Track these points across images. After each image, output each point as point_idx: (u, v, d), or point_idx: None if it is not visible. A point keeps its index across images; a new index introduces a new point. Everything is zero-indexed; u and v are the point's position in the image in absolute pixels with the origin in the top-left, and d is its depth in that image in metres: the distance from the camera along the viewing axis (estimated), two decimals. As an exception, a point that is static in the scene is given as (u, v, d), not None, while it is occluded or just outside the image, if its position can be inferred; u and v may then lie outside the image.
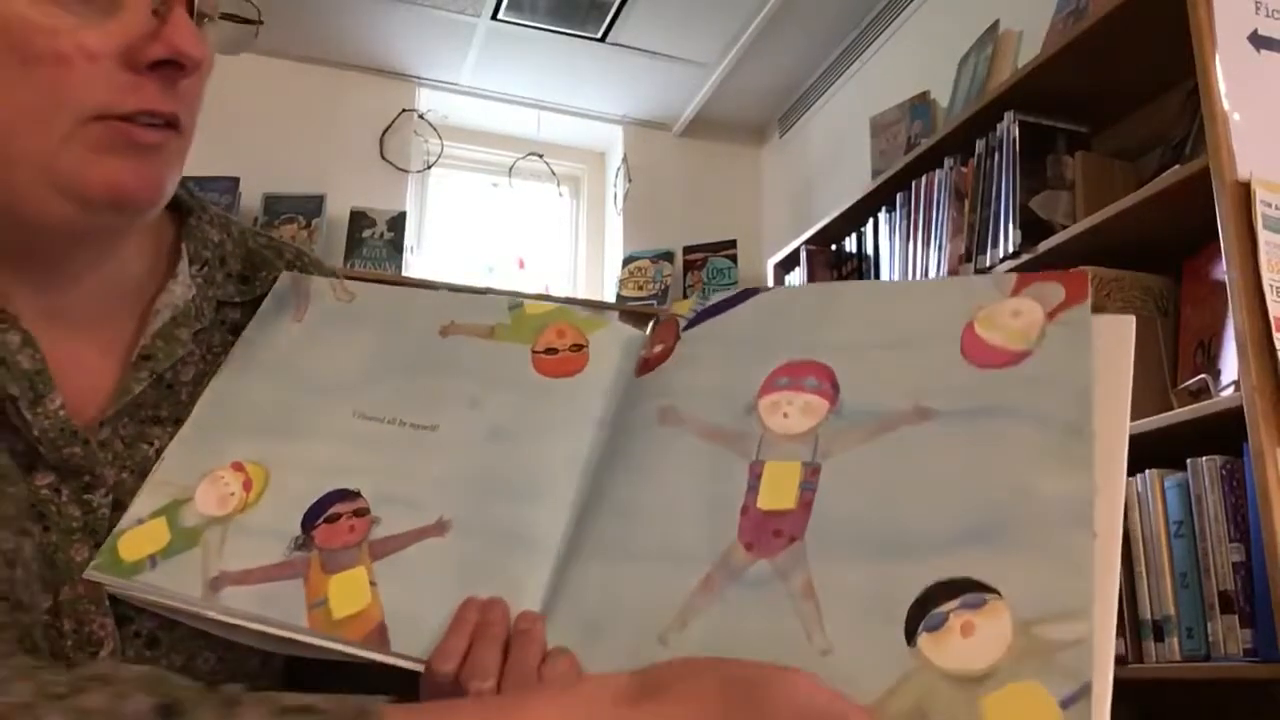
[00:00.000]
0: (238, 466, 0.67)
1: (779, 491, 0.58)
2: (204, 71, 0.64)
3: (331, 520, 0.64)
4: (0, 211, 0.61)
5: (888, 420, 0.58)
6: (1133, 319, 0.58)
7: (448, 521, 0.63)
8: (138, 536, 0.64)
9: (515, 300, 0.74)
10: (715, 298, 0.69)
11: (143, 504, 0.65)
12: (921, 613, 0.50)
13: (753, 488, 0.58)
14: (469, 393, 0.69)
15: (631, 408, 0.66)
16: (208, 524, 0.65)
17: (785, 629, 0.53)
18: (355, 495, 0.65)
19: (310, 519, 0.64)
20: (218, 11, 0.65)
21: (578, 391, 0.68)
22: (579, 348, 0.70)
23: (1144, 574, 1.64)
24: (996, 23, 2.53)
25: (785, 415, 0.61)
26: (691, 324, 0.68)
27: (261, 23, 0.67)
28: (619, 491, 0.62)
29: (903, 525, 0.54)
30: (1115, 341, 0.57)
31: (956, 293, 0.62)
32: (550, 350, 0.70)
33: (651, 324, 0.71)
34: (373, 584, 0.61)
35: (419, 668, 0.57)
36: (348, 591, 0.60)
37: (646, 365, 0.68)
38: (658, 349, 0.68)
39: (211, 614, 0.61)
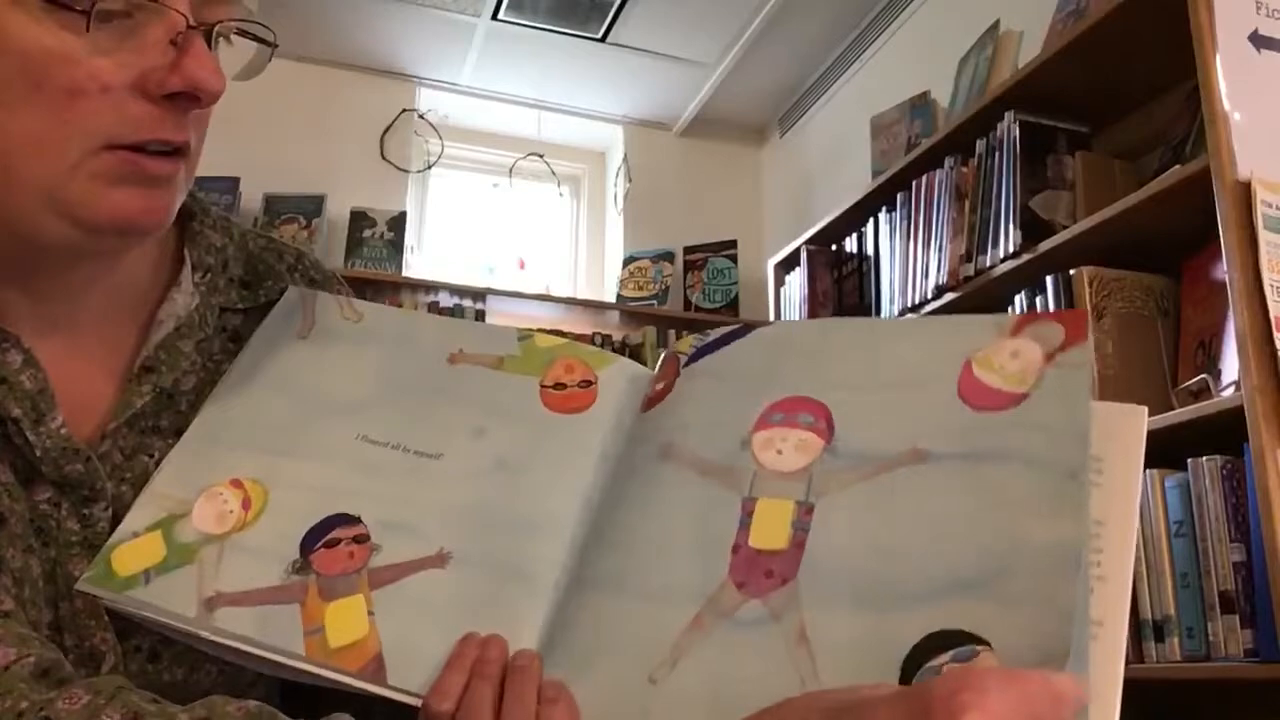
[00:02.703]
0: (236, 483, 0.66)
1: (771, 530, 0.57)
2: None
3: (331, 545, 0.63)
4: None
5: (883, 461, 0.57)
6: (1144, 410, 0.57)
7: (448, 553, 0.62)
8: (132, 550, 0.63)
9: (525, 332, 0.74)
10: (713, 334, 0.69)
11: (138, 517, 0.64)
12: (915, 666, 0.50)
13: (744, 525, 0.57)
14: (475, 423, 0.68)
15: (636, 444, 0.65)
16: (204, 541, 0.63)
17: (778, 671, 0.52)
18: (355, 521, 0.64)
19: (309, 542, 0.63)
20: (232, 31, 0.63)
21: (585, 428, 0.67)
22: (588, 384, 0.69)
23: (1144, 574, 1.64)
24: (997, 23, 2.53)
25: (779, 452, 0.60)
26: (691, 360, 0.68)
27: (277, 45, 0.66)
28: (617, 527, 0.61)
29: (896, 571, 0.53)
30: (1127, 434, 0.56)
31: (955, 333, 0.61)
32: (559, 385, 0.69)
33: (659, 361, 0.71)
34: (370, 614, 0.60)
35: (416, 702, 0.56)
36: (345, 620, 0.59)
37: (650, 402, 0.67)
38: (659, 386, 0.68)
39: (205, 634, 0.60)
